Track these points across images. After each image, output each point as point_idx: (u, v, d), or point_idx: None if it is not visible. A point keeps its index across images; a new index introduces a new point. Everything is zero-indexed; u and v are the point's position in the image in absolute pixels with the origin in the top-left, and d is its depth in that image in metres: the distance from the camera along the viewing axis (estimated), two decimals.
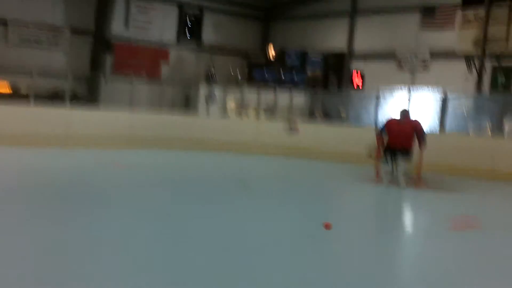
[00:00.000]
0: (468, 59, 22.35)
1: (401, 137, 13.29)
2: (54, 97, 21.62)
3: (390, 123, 13.69)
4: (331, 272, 6.13)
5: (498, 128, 18.23)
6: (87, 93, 23.99)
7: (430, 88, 21.57)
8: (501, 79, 21.84)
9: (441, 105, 19.22)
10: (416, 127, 13.47)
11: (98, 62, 24.69)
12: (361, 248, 7.54)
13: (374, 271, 6.36)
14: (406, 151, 13.27)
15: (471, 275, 6.41)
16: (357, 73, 25.85)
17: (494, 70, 22.17)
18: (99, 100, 23.70)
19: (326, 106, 23.23)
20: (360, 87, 25.56)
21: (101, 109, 21.57)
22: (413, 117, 13.84)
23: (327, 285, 5.62)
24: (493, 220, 10.20)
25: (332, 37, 27.15)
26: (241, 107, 24.16)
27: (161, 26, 26.58)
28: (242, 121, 23.38)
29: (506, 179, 15.99)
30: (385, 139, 13.48)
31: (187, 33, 27.54)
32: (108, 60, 25.08)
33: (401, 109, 13.96)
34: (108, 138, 19.52)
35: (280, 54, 27.03)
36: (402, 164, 13.19)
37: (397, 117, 13.71)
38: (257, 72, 26.92)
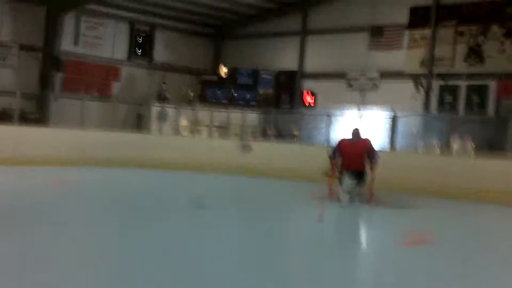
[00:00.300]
0: (416, 78, 22.84)
1: (354, 157, 13.41)
2: (2, 115, 21.28)
3: (343, 144, 13.81)
4: None
5: (446, 146, 18.64)
6: (36, 111, 23.62)
7: (379, 107, 21.95)
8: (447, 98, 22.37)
9: (390, 123, 19.58)
10: (367, 145, 13.65)
11: (47, 79, 24.26)
12: (310, 264, 7.60)
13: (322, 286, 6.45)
14: (360, 172, 13.39)
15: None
16: (308, 92, 26.13)
17: (441, 89, 22.70)
18: (49, 118, 23.35)
19: (278, 125, 23.40)
20: (312, 106, 25.83)
21: (51, 127, 21.27)
22: (364, 136, 14.03)
23: None
24: (443, 236, 10.43)
25: (283, 56, 27.41)
26: (194, 125, 24.15)
27: (112, 43, 26.38)
28: (195, 139, 23.38)
29: (455, 196, 16.36)
30: (339, 160, 13.59)
31: (138, 51, 27.40)
32: (58, 77, 24.68)
33: (352, 129, 14.09)
34: (58, 157, 19.28)
35: (232, 72, 27.17)
36: (355, 184, 13.31)
37: (349, 136, 13.84)
38: (210, 90, 27.00)
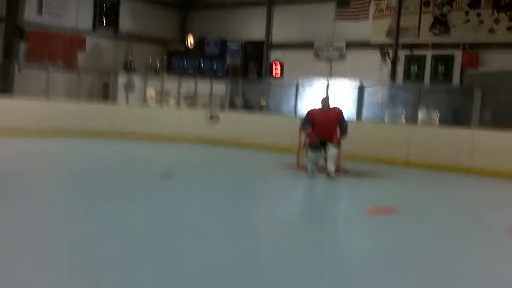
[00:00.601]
0: (382, 48, 22.94)
1: (325, 126, 13.13)
2: None
3: (313, 113, 13.50)
4: (246, 259, 6.22)
5: (412, 116, 18.82)
6: (0, 82, 23.23)
7: (346, 78, 22.03)
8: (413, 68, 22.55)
9: (357, 93, 19.68)
10: (338, 114, 13.41)
11: (11, 49, 23.83)
12: (275, 234, 7.67)
13: (287, 258, 6.51)
14: (331, 141, 13.07)
15: (387, 259, 6.65)
16: (275, 62, 26.11)
17: (407, 60, 22.86)
18: (13, 88, 22.96)
19: (246, 95, 23.38)
20: (279, 76, 25.83)
21: (16, 98, 20.95)
22: (334, 104, 13.88)
23: (242, 269, 5.73)
24: (409, 206, 10.58)
25: (250, 26, 27.29)
26: (161, 95, 24.03)
27: (77, 13, 25.94)
28: (163, 110, 23.27)
29: (421, 166, 16.58)
30: (309, 129, 13.23)
31: (103, 20, 27.04)
32: (22, 48, 24.28)
33: (322, 98, 13.89)
34: (23, 128, 19.07)
35: (199, 42, 26.98)
36: (328, 153, 13.06)
37: (319, 106, 13.58)
38: (177, 60, 26.80)
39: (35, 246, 6.13)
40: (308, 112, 13.72)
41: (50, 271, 5.34)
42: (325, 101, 13.55)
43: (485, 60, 20.92)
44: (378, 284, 5.56)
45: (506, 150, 15.89)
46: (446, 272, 6.07)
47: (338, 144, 13.18)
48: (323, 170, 13.02)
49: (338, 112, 13.49)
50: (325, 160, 13.08)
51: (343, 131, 13.31)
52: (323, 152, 13.12)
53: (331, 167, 12.93)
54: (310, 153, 13.22)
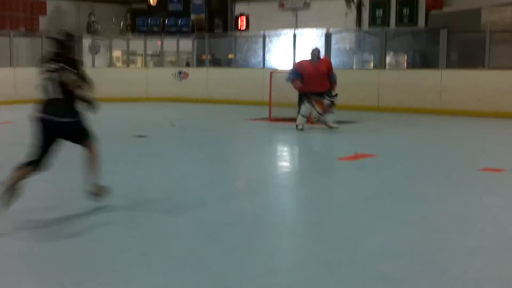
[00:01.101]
0: None
1: (316, 78, 12.63)
2: None
3: (303, 64, 12.95)
4: (233, 213, 6.28)
5: (380, 61, 18.86)
6: None
7: (313, 27, 21.91)
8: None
9: (324, 42, 19.64)
10: (328, 64, 12.99)
11: None
12: (259, 186, 7.73)
13: (276, 207, 6.59)
14: (323, 93, 12.67)
15: (367, 199, 6.75)
16: (241, 15, 25.87)
17: (372, 5, 22.78)
18: None
19: (213, 50, 23.19)
20: (245, 29, 25.62)
21: None
22: (322, 55, 13.43)
23: (226, 223, 5.78)
24: (383, 149, 10.70)
25: None
26: (127, 56, 23.76)
27: None
28: (130, 70, 23.06)
29: (391, 110, 16.73)
30: (299, 82, 12.64)
31: None
32: None
33: (312, 49, 13.20)
34: None
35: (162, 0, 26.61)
36: (313, 108, 12.78)
37: (307, 57, 13.03)
38: (140, 19, 26.44)
39: None
40: (297, 63, 13.29)
41: None
42: (315, 51, 12.93)
43: (449, 0, 20.92)
44: (352, 224, 5.65)
45: (473, 88, 16.08)
46: (418, 211, 6.18)
47: (334, 95, 12.83)
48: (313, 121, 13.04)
49: (328, 63, 13.10)
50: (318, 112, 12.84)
51: (334, 81, 12.87)
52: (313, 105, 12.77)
53: (305, 120, 12.82)
54: (303, 107, 12.79)
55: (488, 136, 12.93)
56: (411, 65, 20.10)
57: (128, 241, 5.21)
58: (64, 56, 6.12)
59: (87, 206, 6.23)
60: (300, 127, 12.84)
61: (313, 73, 12.63)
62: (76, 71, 6.02)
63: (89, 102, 6.15)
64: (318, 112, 12.71)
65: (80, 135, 6.28)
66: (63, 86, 5.98)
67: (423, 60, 20.13)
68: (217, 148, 11.01)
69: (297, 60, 13.34)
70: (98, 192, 6.29)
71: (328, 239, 5.34)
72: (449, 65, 17.84)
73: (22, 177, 5.95)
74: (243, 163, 9.88)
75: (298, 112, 13.01)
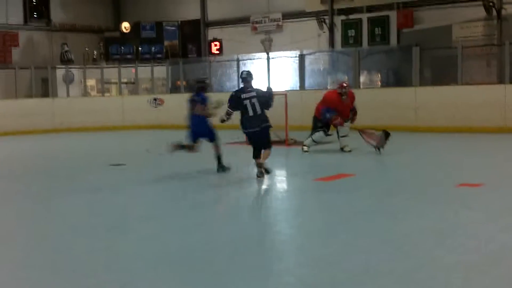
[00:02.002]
0: (318, 16, 22.98)
1: (345, 111, 12.90)
2: None
3: (334, 101, 12.95)
4: (211, 238, 6.25)
5: (354, 80, 18.98)
6: None
7: (286, 49, 22.01)
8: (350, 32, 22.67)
9: (298, 63, 19.73)
10: (354, 99, 13.22)
11: None
12: (237, 209, 7.71)
13: (255, 229, 6.57)
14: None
15: (347, 219, 6.75)
16: (214, 40, 25.93)
17: (344, 25, 22.96)
18: None
19: (187, 75, 23.19)
20: (219, 53, 25.68)
21: None
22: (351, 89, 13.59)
23: (215, 248, 5.75)
24: (358, 168, 10.74)
25: (185, 6, 26.88)
26: (102, 84, 23.69)
27: (6, 8, 25.21)
28: (105, 99, 22.98)
29: (366, 128, 16.77)
30: (338, 119, 12.75)
31: (34, 13, 26.35)
32: None
33: (345, 84, 13.20)
34: None
35: (134, 27, 26.60)
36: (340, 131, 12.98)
37: (338, 90, 13.05)
38: (114, 47, 26.41)
39: None
40: (329, 100, 13.15)
41: None
42: (347, 88, 13.02)
43: (420, 18, 21.15)
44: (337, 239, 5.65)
45: (447, 104, 16.23)
46: (398, 228, 6.20)
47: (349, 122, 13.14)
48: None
49: (353, 97, 13.25)
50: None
51: (355, 113, 13.19)
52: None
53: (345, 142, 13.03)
54: (318, 134, 13.05)
55: (464, 152, 13.05)
56: (385, 83, 20.26)
57: (108, 273, 5.14)
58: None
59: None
60: (306, 148, 13.08)
61: (344, 108, 12.85)
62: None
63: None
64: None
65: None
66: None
67: (397, 78, 20.30)
68: (193, 175, 10.94)
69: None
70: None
71: (310, 261, 5.33)
72: (423, 81, 18.02)
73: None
74: (220, 187, 9.81)
75: (310, 135, 13.31)
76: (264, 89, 10.19)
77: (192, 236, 6.20)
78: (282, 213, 7.59)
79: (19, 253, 5.85)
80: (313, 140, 13.14)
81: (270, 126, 9.85)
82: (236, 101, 9.93)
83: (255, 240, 6.11)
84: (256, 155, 9.89)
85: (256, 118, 9.70)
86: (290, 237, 6.27)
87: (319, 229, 6.52)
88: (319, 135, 13.06)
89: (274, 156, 12.51)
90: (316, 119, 13.48)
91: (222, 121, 10.23)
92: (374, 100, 17.27)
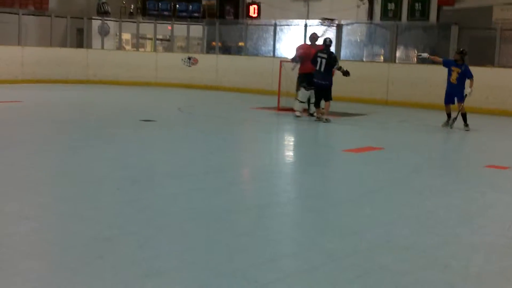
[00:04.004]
0: None
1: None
2: None
3: (302, 47, 13.80)
4: (238, 200, 6.31)
5: (390, 55, 18.82)
6: None
7: (324, 17, 21.83)
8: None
9: (336, 32, 19.59)
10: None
11: None
12: (265, 174, 7.76)
13: (281, 196, 6.61)
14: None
15: (373, 192, 6.77)
16: (252, 2, 25.77)
17: None
18: None
19: (223, 37, 23.15)
20: (256, 17, 25.53)
21: None
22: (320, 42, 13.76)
23: (242, 210, 5.80)
24: (390, 143, 10.71)
25: None
26: (137, 39, 23.73)
27: None
28: (139, 54, 23.04)
29: (400, 104, 16.70)
30: (297, 65, 13.54)
31: None
32: None
33: (311, 33, 14.09)
34: None
35: None
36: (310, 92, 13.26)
37: (308, 42, 13.86)
38: (151, 3, 26.37)
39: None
40: (297, 47, 13.93)
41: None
42: (313, 36, 13.74)
43: None
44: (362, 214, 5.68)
45: (481, 86, 16.02)
46: (422, 205, 6.21)
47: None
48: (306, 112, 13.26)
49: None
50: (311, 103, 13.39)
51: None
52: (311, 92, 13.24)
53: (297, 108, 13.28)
54: (302, 91, 13.32)
55: (495, 134, 12.93)
56: (421, 60, 20.04)
57: (132, 225, 5.21)
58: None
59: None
60: (297, 114, 13.32)
61: (310, 55, 13.15)
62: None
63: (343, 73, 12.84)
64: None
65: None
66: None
67: (434, 55, 20.05)
68: (223, 135, 11.02)
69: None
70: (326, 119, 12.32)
71: (331, 229, 5.37)
72: None
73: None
74: (248, 151, 9.91)
75: (296, 98, 13.53)
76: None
77: (219, 197, 6.25)
78: (308, 181, 7.61)
79: (45, 201, 5.95)
80: (300, 101, 13.41)
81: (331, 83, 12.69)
82: (314, 57, 12.68)
83: (280, 206, 6.14)
84: (317, 105, 12.76)
85: (322, 74, 12.56)
86: (315, 205, 6.29)
87: (343, 200, 6.54)
88: (301, 93, 13.40)
89: (305, 124, 12.60)
90: (298, 78, 13.69)
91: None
92: (409, 76, 17.15)
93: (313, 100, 13.16)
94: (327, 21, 20.45)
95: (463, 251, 4.84)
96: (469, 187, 7.37)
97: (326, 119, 12.63)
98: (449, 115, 12.43)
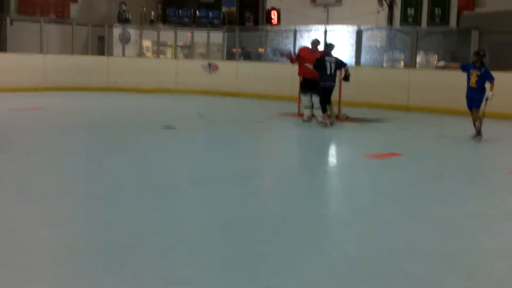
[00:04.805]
0: None
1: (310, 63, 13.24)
2: None
3: (302, 49, 13.88)
4: (260, 208, 6.30)
5: (410, 60, 18.75)
6: None
7: (344, 23, 21.85)
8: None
9: (355, 38, 19.57)
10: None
11: (1, 2, 23.40)
12: (287, 181, 7.74)
13: (302, 202, 6.60)
14: (315, 81, 13.15)
15: (394, 198, 6.74)
16: (272, 9, 25.85)
17: (404, 3, 22.64)
18: (6, 43, 22.57)
19: (243, 43, 23.20)
20: (276, 23, 25.60)
21: (9, 52, 20.69)
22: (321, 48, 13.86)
23: (263, 217, 5.80)
24: (410, 149, 10.65)
25: None
26: (157, 46, 23.84)
27: None
28: (159, 61, 23.13)
29: (420, 110, 16.60)
30: (295, 59, 13.61)
31: None
32: (13, 1, 23.78)
33: (313, 39, 14.03)
34: (17, 83, 19.03)
35: None
36: (312, 97, 13.28)
37: (310, 46, 13.72)
38: (172, 10, 26.53)
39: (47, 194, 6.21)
40: (299, 49, 14.19)
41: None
42: (315, 42, 13.68)
43: (481, 0, 20.72)
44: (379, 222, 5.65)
45: (503, 90, 15.88)
46: (445, 211, 6.17)
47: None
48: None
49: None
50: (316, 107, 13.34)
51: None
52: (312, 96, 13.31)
53: (318, 114, 13.19)
54: (302, 97, 13.55)
55: None
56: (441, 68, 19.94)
57: (154, 233, 5.23)
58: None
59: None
60: (305, 118, 13.52)
61: (309, 59, 13.17)
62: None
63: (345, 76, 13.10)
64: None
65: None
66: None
67: (454, 60, 19.96)
68: (245, 142, 11.05)
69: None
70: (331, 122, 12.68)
71: (354, 235, 5.35)
72: None
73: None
74: (269, 158, 9.92)
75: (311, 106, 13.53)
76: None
77: (240, 205, 6.27)
78: (330, 188, 7.61)
79: (67, 207, 6.00)
80: (304, 107, 13.57)
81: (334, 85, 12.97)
82: (320, 61, 12.76)
83: (302, 212, 6.12)
84: (325, 110, 12.86)
85: (332, 76, 12.83)
86: (336, 212, 6.29)
87: (365, 206, 6.51)
88: (302, 98, 13.60)
89: (326, 131, 12.58)
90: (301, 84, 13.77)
91: None
92: (429, 81, 17.04)
93: (317, 105, 13.13)
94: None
95: (486, 258, 4.81)
96: (492, 193, 7.32)
97: (331, 122, 12.88)
98: (476, 126, 11.65)
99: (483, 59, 11.46)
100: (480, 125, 11.41)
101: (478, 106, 11.43)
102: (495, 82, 11.39)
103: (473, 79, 11.39)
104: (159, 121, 13.07)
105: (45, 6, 24.46)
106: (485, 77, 11.31)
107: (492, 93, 11.33)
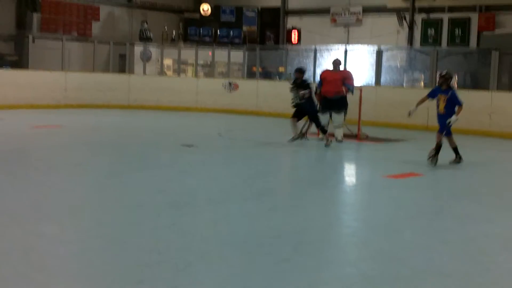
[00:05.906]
0: (399, 13, 22.75)
1: (332, 83, 13.36)
2: None
3: (324, 73, 13.96)
4: (278, 226, 6.30)
5: (430, 80, 18.69)
6: (14, 53, 23.17)
7: (364, 43, 21.87)
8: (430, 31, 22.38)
9: (375, 58, 19.58)
10: (345, 74, 13.75)
11: (24, 20, 23.64)
12: (306, 199, 7.73)
13: (321, 220, 6.58)
14: (339, 98, 13.36)
15: (413, 217, 6.71)
16: (292, 29, 25.94)
17: (424, 23, 22.67)
18: (28, 60, 22.76)
19: (264, 62, 23.28)
20: (296, 43, 25.68)
21: (31, 69, 20.90)
22: (343, 67, 14.01)
23: (282, 235, 5.80)
24: (430, 170, 10.59)
25: None
26: (178, 65, 23.98)
27: None
28: (180, 79, 23.26)
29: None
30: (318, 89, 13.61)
31: None
32: (35, 18, 24.10)
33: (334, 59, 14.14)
34: (39, 100, 19.19)
35: (214, 10, 26.85)
36: (337, 117, 13.32)
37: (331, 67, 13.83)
38: (193, 29, 26.74)
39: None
40: (322, 74, 14.05)
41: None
42: (336, 62, 13.76)
43: (501, 21, 20.72)
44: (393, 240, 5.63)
45: None
46: (464, 231, 6.13)
47: (343, 113, 13.45)
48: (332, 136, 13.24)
49: (346, 73, 13.85)
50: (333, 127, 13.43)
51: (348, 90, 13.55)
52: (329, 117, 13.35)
53: (337, 133, 13.25)
54: (320, 115, 13.32)
55: None
56: (462, 85, 19.88)
57: (172, 250, 5.25)
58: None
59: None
60: (339, 138, 13.32)
61: (330, 79, 13.37)
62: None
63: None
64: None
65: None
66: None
67: (474, 81, 19.90)
68: (263, 161, 11.05)
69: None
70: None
71: (373, 254, 5.34)
72: (500, 87, 17.59)
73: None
74: (288, 176, 9.93)
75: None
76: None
77: (259, 223, 6.29)
78: (348, 206, 7.61)
79: (86, 224, 6.05)
80: (335, 127, 13.44)
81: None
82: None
83: (320, 231, 6.13)
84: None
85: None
86: (354, 230, 6.27)
87: (384, 225, 6.49)
88: (321, 117, 13.17)
89: (345, 150, 12.57)
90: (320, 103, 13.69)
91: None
92: None
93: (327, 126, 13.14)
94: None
95: (504, 279, 4.78)
96: (510, 213, 7.26)
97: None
98: (438, 148, 10.64)
99: (449, 81, 10.62)
100: (439, 148, 10.69)
101: (449, 133, 10.76)
102: (463, 105, 10.52)
103: (441, 105, 10.53)
104: (179, 139, 13.12)
105: (67, 24, 24.78)
106: (452, 100, 10.42)
107: (456, 117, 10.40)
